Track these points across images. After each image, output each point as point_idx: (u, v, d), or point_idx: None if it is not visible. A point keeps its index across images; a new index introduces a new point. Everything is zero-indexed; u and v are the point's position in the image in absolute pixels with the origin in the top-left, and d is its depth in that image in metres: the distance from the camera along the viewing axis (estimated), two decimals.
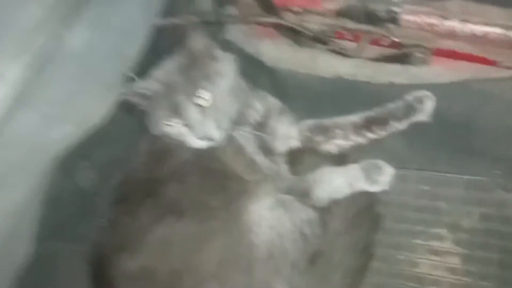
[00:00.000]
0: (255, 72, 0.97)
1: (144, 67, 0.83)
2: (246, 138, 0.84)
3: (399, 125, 0.85)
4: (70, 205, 0.76)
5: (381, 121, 0.86)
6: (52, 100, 0.52)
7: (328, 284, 0.79)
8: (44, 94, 0.50)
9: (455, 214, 0.92)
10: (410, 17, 0.79)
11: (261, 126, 0.86)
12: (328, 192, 0.82)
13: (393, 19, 0.80)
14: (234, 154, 0.82)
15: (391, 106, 0.86)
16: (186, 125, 0.76)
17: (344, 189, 0.83)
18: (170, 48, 0.86)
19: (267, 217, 0.75)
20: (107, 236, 0.76)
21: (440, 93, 0.84)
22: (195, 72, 0.77)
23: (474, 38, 0.78)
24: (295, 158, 0.91)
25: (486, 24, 0.76)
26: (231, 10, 0.92)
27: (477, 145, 0.88)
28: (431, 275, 0.89)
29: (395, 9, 0.79)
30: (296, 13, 0.88)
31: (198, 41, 0.77)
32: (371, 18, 0.82)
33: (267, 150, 0.87)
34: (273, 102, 0.92)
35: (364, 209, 0.87)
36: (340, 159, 0.92)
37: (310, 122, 0.93)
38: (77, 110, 0.57)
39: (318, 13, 0.85)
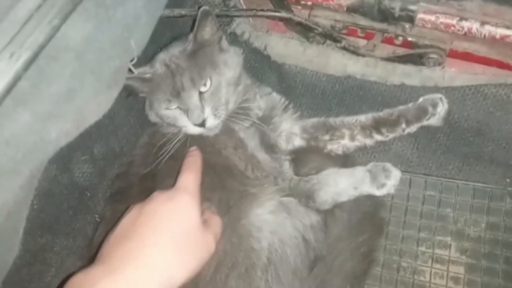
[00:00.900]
0: (261, 67, 0.95)
1: (148, 61, 0.81)
2: (247, 132, 0.83)
3: (409, 129, 0.83)
4: (65, 199, 0.73)
5: (390, 123, 0.85)
6: (48, 98, 0.49)
7: None
8: (39, 91, 0.48)
9: (461, 222, 0.90)
10: (426, 16, 0.76)
11: (264, 122, 0.84)
12: (332, 194, 0.81)
13: (409, 18, 0.77)
14: (235, 148, 0.81)
15: (402, 108, 0.84)
16: (184, 109, 0.76)
17: (349, 192, 0.81)
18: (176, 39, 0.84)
19: (269, 222, 0.73)
20: (102, 232, 0.73)
21: (452, 96, 0.82)
22: (203, 59, 0.77)
23: (492, 41, 0.75)
24: (299, 157, 0.89)
25: (506, 26, 0.73)
26: (240, 2, 0.89)
27: (488, 152, 0.85)
28: (433, 284, 0.87)
29: (411, 7, 0.76)
30: (306, 7, 0.85)
31: (208, 30, 0.77)
32: (385, 15, 0.78)
33: (269, 146, 0.85)
34: (277, 98, 0.91)
35: (368, 214, 0.85)
36: (346, 160, 0.89)
37: (315, 120, 0.91)
38: (75, 109, 0.54)
39: (330, 8, 0.82)
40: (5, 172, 0.50)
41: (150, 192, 0.64)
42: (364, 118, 0.87)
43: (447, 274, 0.87)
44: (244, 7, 0.89)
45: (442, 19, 0.75)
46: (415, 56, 0.83)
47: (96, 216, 0.81)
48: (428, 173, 0.92)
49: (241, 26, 0.92)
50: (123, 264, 0.52)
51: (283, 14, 0.82)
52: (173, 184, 0.65)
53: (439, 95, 0.82)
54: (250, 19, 0.93)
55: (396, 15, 0.77)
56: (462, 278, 0.87)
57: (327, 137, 0.89)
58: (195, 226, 0.60)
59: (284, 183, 0.82)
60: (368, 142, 0.88)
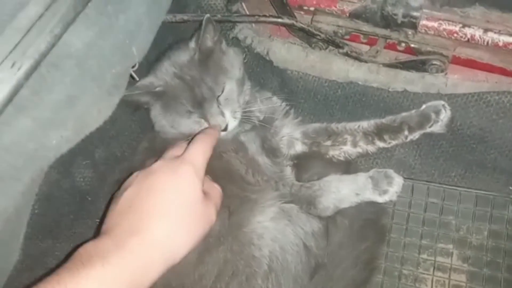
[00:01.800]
0: (264, 72, 0.95)
1: (150, 67, 0.80)
2: (248, 136, 0.82)
3: (412, 136, 0.83)
4: (66, 204, 0.73)
5: (393, 130, 0.84)
6: (49, 105, 0.49)
7: None
8: (40, 98, 0.48)
9: (463, 230, 0.89)
10: (429, 22, 0.76)
11: (264, 127, 0.84)
12: (334, 201, 0.80)
13: (411, 24, 0.77)
14: (235, 152, 0.81)
15: (404, 114, 0.84)
16: (205, 118, 0.77)
17: (351, 198, 0.81)
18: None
19: (270, 229, 0.73)
20: None
21: (455, 103, 0.82)
22: (214, 67, 0.79)
23: (495, 48, 0.75)
24: (300, 163, 0.88)
25: (510, 34, 0.73)
26: (242, 7, 0.88)
27: (490, 159, 0.85)
28: None
29: (414, 13, 0.75)
30: (309, 12, 0.85)
31: (211, 37, 0.78)
32: (388, 21, 0.78)
33: (270, 150, 0.85)
34: (278, 102, 0.91)
35: (370, 221, 0.84)
36: (348, 166, 0.89)
37: (317, 125, 0.91)
38: (76, 116, 0.54)
39: (333, 14, 0.82)
40: (6, 179, 0.50)
41: None
42: (366, 124, 0.86)
43: (449, 282, 0.87)
44: (247, 13, 0.89)
45: (445, 26, 0.75)
46: (417, 63, 0.82)
47: (97, 220, 0.81)
48: (431, 180, 0.91)
49: (243, 31, 0.92)
50: (129, 238, 0.54)
51: (286, 20, 0.82)
52: None
53: (442, 102, 0.81)
54: (253, 24, 0.92)
55: (399, 21, 0.77)
56: (464, 286, 0.86)
57: (329, 142, 0.89)
58: (198, 200, 0.61)
59: (285, 189, 0.81)
60: (371, 148, 0.87)
